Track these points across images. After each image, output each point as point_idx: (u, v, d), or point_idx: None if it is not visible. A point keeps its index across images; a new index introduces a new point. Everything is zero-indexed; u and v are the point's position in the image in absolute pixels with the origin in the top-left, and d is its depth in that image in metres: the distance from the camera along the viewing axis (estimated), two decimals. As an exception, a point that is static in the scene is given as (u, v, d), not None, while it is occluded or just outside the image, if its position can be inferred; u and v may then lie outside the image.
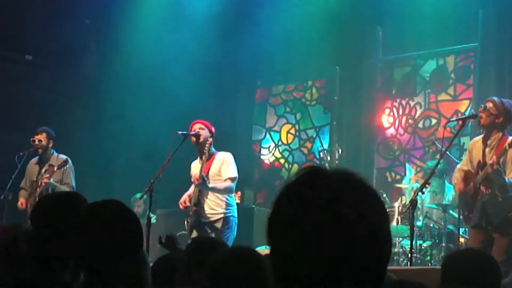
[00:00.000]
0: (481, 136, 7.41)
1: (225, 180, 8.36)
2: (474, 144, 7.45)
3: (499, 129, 7.19)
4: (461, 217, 7.87)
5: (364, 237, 1.49)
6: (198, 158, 8.61)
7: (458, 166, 7.61)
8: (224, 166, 8.41)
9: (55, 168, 9.34)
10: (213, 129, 8.59)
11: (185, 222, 8.60)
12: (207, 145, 8.46)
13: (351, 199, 1.50)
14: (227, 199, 8.43)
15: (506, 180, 6.91)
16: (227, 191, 8.40)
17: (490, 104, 7.17)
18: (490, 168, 6.92)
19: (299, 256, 1.48)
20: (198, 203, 8.36)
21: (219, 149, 8.67)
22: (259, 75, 13.98)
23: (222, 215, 8.30)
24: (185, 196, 8.60)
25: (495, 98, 7.31)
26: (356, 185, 1.55)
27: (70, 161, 9.52)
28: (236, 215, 8.46)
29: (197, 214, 8.39)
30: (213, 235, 8.14)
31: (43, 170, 9.50)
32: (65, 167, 9.41)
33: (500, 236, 7.01)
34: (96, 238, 2.74)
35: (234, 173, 8.43)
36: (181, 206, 8.61)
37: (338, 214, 1.48)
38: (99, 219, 2.78)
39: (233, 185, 8.44)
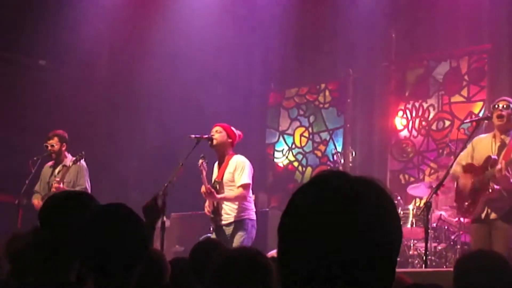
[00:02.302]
0: (489, 134, 7.46)
1: (238, 187, 8.22)
2: (480, 141, 7.50)
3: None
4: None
5: (378, 241, 1.49)
6: (217, 161, 8.56)
7: (456, 161, 7.58)
8: (237, 172, 8.24)
9: (70, 164, 9.39)
10: (235, 132, 8.41)
11: (211, 227, 8.56)
12: (223, 149, 8.38)
13: (367, 204, 1.51)
14: (242, 203, 8.29)
15: None
16: (238, 199, 8.22)
17: (508, 103, 7.23)
18: (498, 173, 6.96)
19: (309, 256, 1.48)
20: (215, 209, 8.29)
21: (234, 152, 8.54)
22: (272, 78, 13.99)
23: (236, 219, 8.21)
24: (208, 202, 8.51)
25: (509, 98, 7.41)
26: (373, 191, 1.55)
27: (84, 162, 9.55)
28: (253, 218, 8.30)
29: (214, 221, 8.36)
30: (229, 238, 8.12)
31: (57, 171, 9.55)
32: (78, 164, 9.45)
33: (503, 224, 7.04)
34: (101, 241, 2.75)
35: (246, 179, 8.22)
36: (205, 211, 8.54)
37: (352, 218, 1.48)
38: (104, 222, 2.79)
39: (245, 192, 8.22)
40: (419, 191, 10.28)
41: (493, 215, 7.13)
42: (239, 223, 8.19)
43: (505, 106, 7.25)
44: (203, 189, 8.18)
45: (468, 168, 7.41)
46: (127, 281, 2.76)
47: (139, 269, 2.80)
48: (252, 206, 8.40)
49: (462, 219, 9.07)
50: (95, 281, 2.76)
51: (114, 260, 2.73)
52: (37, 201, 9.50)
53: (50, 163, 9.75)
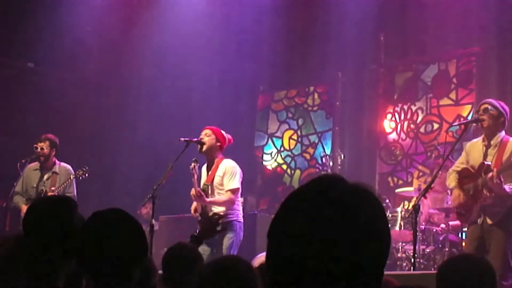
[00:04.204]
0: (480, 138, 7.48)
1: (226, 191, 8.22)
2: (473, 145, 7.52)
3: (501, 128, 7.31)
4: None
5: (368, 249, 1.50)
6: (206, 164, 8.56)
7: (452, 168, 7.62)
8: (226, 176, 8.24)
9: (71, 177, 9.38)
10: (224, 136, 8.40)
11: (197, 230, 8.52)
12: (213, 152, 8.37)
13: (360, 211, 1.51)
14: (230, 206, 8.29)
15: (507, 189, 7.01)
16: (227, 203, 8.22)
17: (490, 106, 7.26)
18: (490, 181, 6.99)
19: (299, 261, 1.48)
20: (204, 212, 8.28)
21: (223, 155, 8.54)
22: (261, 80, 13.99)
23: (224, 220, 8.21)
24: (195, 204, 8.49)
25: (491, 100, 7.44)
26: (366, 198, 1.55)
27: (71, 169, 9.55)
28: (240, 220, 8.31)
29: (202, 223, 8.33)
30: (218, 239, 8.12)
31: (45, 177, 9.50)
32: (67, 169, 9.47)
33: (497, 229, 7.07)
34: (99, 247, 2.74)
35: (235, 184, 8.23)
36: (192, 213, 8.53)
37: (345, 225, 1.49)
38: (102, 228, 2.79)
39: (234, 197, 8.22)
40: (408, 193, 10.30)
41: (488, 221, 7.15)
42: (227, 224, 8.19)
43: (484, 109, 7.28)
44: (193, 192, 8.17)
45: (464, 173, 7.43)
46: (124, 286, 2.76)
47: (138, 274, 2.80)
48: (240, 208, 8.41)
49: (450, 222, 9.12)
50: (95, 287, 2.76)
51: (115, 266, 2.73)
52: (24, 206, 9.38)
53: (34, 164, 9.63)
